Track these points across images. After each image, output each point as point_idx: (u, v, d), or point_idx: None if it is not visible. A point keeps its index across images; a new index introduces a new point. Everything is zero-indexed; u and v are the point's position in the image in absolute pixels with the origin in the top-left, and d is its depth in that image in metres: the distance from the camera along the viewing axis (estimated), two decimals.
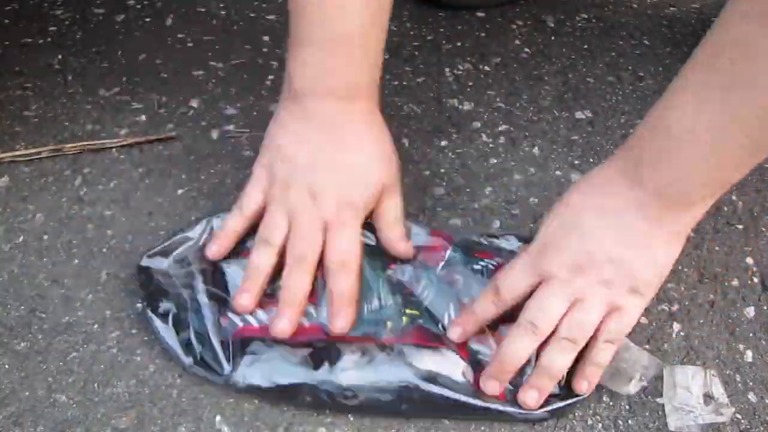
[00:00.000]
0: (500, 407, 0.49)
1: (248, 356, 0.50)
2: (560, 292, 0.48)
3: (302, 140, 0.54)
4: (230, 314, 0.52)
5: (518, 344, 0.48)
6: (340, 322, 0.51)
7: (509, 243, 0.58)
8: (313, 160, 0.54)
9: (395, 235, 0.56)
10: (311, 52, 0.53)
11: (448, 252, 0.56)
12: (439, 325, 0.52)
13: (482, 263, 0.56)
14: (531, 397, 0.48)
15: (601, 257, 0.48)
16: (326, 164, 0.54)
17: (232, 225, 0.55)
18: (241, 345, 0.50)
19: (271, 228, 0.53)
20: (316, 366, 0.49)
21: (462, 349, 0.51)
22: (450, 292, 0.54)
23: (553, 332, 0.48)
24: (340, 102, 0.54)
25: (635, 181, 0.48)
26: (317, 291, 0.53)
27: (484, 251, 0.57)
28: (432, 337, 0.51)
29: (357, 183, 0.54)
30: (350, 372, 0.49)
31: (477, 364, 0.50)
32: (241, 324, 0.52)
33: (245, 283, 0.53)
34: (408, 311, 0.52)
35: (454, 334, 0.51)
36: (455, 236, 0.58)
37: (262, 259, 0.53)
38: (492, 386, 0.48)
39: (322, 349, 0.50)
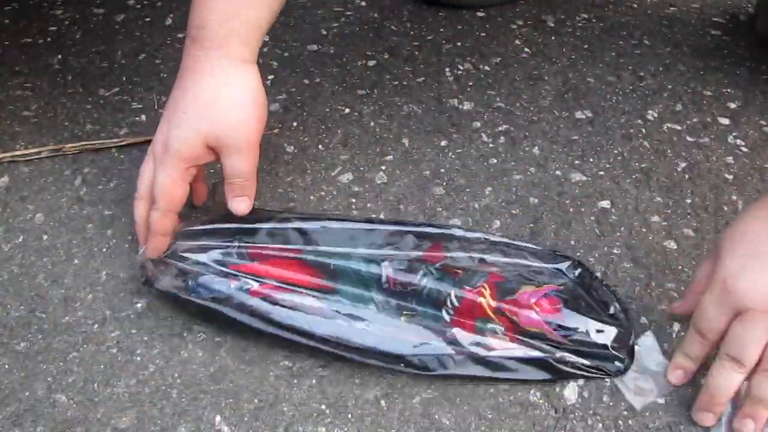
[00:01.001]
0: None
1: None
2: (760, 325, 0.47)
3: (176, 87, 0.57)
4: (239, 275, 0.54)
5: (726, 379, 0.48)
6: (148, 251, 0.56)
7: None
8: (172, 106, 0.56)
9: (230, 194, 0.58)
10: (200, 7, 0.56)
11: (445, 254, 0.56)
12: (443, 311, 0.53)
13: (477, 256, 0.57)
14: (747, 427, 0.48)
15: None
16: (168, 108, 0.56)
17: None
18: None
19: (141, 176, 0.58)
20: None
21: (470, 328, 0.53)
22: (450, 281, 0.53)
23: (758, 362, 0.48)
24: (201, 46, 0.55)
25: None
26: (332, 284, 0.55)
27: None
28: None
29: (178, 130, 0.55)
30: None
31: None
32: (254, 284, 0.54)
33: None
34: (405, 314, 0.53)
35: (675, 378, 0.52)
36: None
37: (137, 210, 0.58)
38: (706, 418, 0.50)
39: None
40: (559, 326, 0.52)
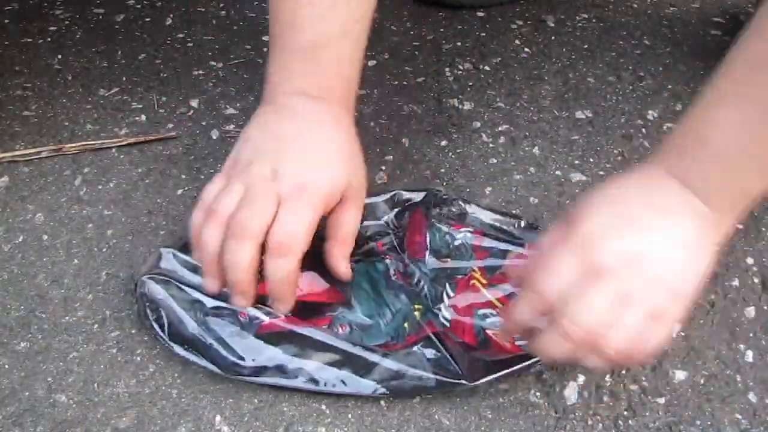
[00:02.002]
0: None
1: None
2: (608, 288, 0.42)
3: (271, 128, 0.52)
4: (248, 310, 0.51)
5: (552, 342, 0.44)
6: (281, 306, 0.50)
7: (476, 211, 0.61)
8: (281, 143, 0.51)
9: (342, 252, 0.53)
10: (286, 56, 0.54)
11: (428, 239, 0.58)
12: (440, 308, 0.54)
13: (460, 235, 0.58)
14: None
15: (657, 255, 0.43)
16: (293, 150, 0.51)
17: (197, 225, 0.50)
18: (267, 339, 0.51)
19: (223, 197, 0.49)
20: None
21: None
22: (443, 275, 0.56)
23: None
24: (312, 100, 0.53)
25: (685, 184, 0.45)
26: (347, 292, 0.55)
27: (457, 222, 0.59)
28: (439, 326, 0.53)
29: (322, 173, 0.50)
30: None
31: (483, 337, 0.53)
32: (266, 318, 0.51)
33: (205, 266, 0.49)
34: (416, 306, 0.55)
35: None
36: (424, 208, 0.60)
37: (212, 233, 0.48)
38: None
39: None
40: None
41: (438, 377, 0.49)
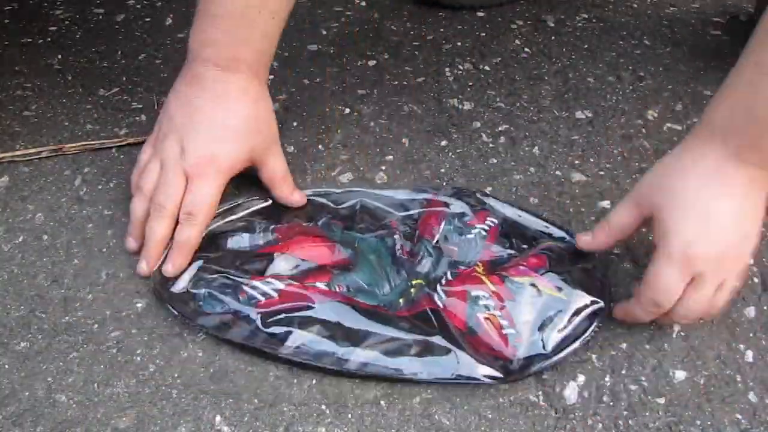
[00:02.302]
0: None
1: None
2: (708, 286, 0.50)
3: (184, 102, 0.60)
4: (246, 288, 0.55)
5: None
6: (169, 267, 0.57)
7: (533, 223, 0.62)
8: (190, 118, 0.59)
9: (286, 189, 0.63)
10: (204, 22, 0.59)
11: (443, 225, 0.60)
12: (436, 288, 0.55)
13: (474, 231, 0.60)
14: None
15: (734, 247, 0.50)
16: (200, 123, 0.59)
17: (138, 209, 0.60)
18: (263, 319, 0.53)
19: (145, 176, 0.60)
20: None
21: (462, 297, 0.54)
22: (445, 262, 0.57)
23: None
24: (220, 70, 0.59)
25: (743, 160, 0.49)
26: (351, 258, 0.58)
27: (478, 214, 0.61)
28: (434, 302, 0.54)
29: (224, 145, 0.59)
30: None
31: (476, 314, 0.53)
32: (261, 298, 0.54)
33: (129, 228, 0.60)
34: (414, 282, 0.56)
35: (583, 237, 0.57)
36: (450, 199, 0.63)
37: (136, 206, 0.59)
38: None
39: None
40: (547, 272, 0.55)
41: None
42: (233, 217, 0.62)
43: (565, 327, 0.52)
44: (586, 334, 0.53)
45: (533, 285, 0.54)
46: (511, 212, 0.62)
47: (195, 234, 0.57)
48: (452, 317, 0.53)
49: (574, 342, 0.52)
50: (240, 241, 0.59)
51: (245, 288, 0.55)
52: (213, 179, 0.58)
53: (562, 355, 0.51)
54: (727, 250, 0.50)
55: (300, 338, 0.52)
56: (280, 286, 0.55)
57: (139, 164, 0.62)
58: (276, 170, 0.63)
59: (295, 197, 0.63)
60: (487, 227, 0.60)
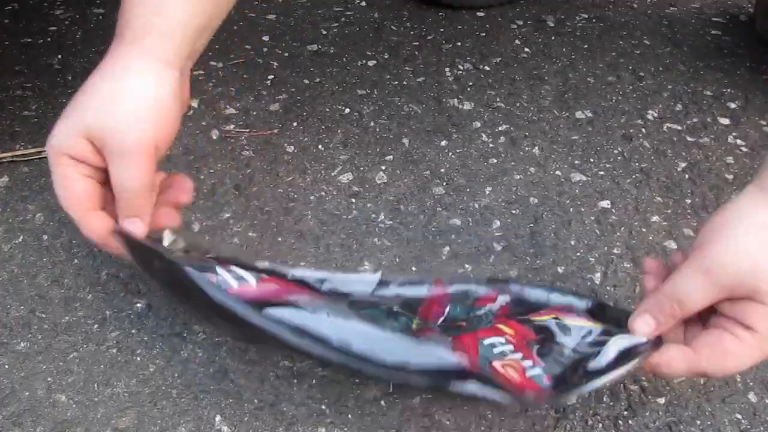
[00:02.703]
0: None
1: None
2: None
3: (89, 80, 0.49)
4: (219, 269, 0.47)
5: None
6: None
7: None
8: (79, 93, 0.48)
9: (119, 207, 0.48)
10: (128, 4, 0.49)
11: (448, 308, 0.53)
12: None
13: (484, 310, 0.52)
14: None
15: None
16: (75, 99, 0.48)
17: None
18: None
19: None
20: None
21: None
22: (454, 329, 0.50)
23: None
24: (124, 45, 0.49)
25: None
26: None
27: (485, 298, 0.54)
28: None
29: (63, 122, 0.48)
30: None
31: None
32: (233, 283, 0.46)
33: None
34: (416, 321, 0.51)
35: (645, 324, 0.46)
36: (455, 284, 0.54)
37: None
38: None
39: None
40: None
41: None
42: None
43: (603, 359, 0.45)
44: (622, 368, 0.45)
45: (557, 319, 0.48)
46: (532, 293, 0.53)
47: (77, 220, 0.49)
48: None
49: (608, 372, 0.44)
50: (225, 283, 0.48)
51: (218, 270, 0.46)
52: (53, 165, 0.48)
53: (594, 384, 0.44)
54: None
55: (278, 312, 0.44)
56: (259, 276, 0.47)
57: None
58: (113, 176, 0.47)
59: (125, 224, 0.48)
60: (498, 306, 0.52)
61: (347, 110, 0.76)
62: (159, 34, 0.49)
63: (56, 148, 0.47)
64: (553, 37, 0.88)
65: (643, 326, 0.45)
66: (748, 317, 0.43)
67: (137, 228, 0.48)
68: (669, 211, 0.65)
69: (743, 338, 0.43)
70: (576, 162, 0.70)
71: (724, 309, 0.44)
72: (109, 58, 0.49)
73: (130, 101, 0.47)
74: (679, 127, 0.75)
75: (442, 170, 0.69)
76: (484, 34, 0.89)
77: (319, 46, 0.86)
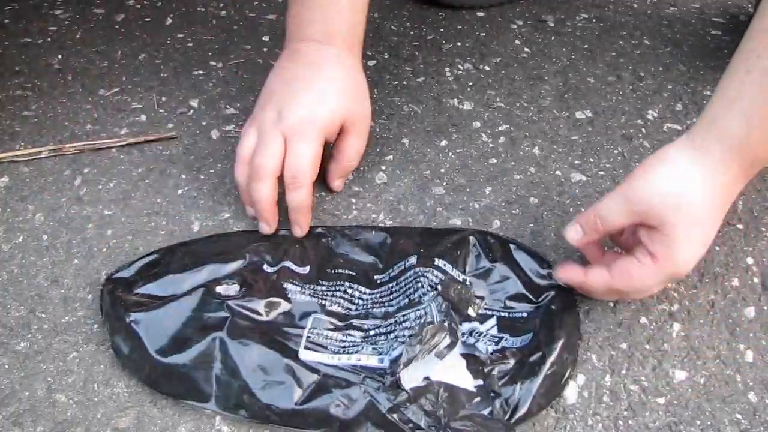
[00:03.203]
0: None
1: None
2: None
3: (284, 75, 0.61)
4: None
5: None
6: (297, 230, 0.60)
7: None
8: (288, 87, 0.60)
9: (338, 173, 0.64)
10: (297, 8, 0.62)
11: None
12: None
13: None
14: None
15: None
16: (297, 90, 0.59)
17: (240, 177, 0.60)
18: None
19: (243, 144, 0.60)
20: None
21: None
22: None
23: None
24: (320, 45, 0.61)
25: (747, 176, 0.51)
26: None
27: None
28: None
29: (322, 105, 0.59)
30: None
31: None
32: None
33: (241, 196, 0.61)
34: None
35: (575, 232, 0.54)
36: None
37: (237, 172, 0.60)
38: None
39: None
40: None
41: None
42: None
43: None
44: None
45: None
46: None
47: (305, 195, 0.58)
48: None
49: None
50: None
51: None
52: (311, 138, 0.58)
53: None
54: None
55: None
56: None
57: (240, 140, 0.61)
58: (350, 147, 0.63)
59: (335, 184, 0.65)
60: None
61: None
62: (359, 38, 0.64)
63: (324, 128, 0.59)
64: (553, 37, 0.88)
65: (572, 233, 0.54)
66: (652, 244, 0.50)
67: (341, 184, 0.66)
68: None
69: (644, 263, 0.50)
70: (576, 162, 0.70)
71: (643, 237, 0.51)
72: (316, 52, 0.61)
73: (365, 94, 0.64)
74: (679, 127, 0.75)
75: (442, 170, 0.69)
76: (484, 34, 0.89)
77: None
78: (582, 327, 0.55)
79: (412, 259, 0.57)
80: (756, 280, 0.59)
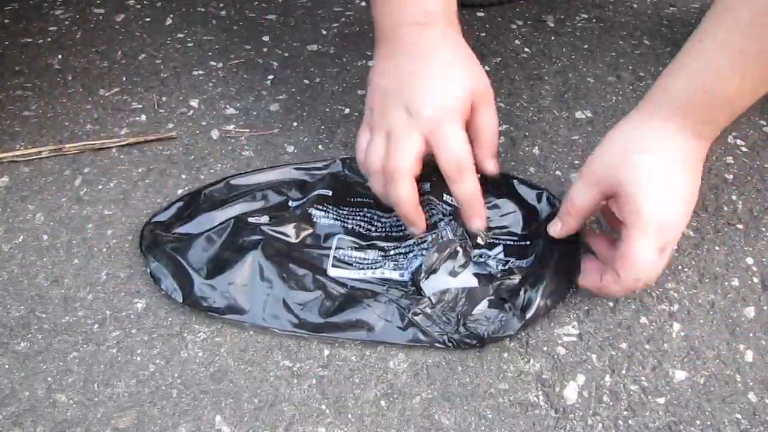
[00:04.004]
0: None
1: None
2: (669, 254, 0.54)
3: (392, 73, 0.58)
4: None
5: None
6: (478, 222, 0.57)
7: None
8: (404, 84, 0.56)
9: (487, 152, 0.59)
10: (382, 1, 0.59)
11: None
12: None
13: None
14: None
15: (689, 216, 0.53)
16: (417, 84, 0.56)
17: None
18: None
19: (372, 153, 0.57)
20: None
21: None
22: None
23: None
24: (421, 27, 0.58)
25: (697, 136, 0.52)
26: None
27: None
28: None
29: (450, 90, 0.56)
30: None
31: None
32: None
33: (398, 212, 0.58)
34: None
35: (553, 225, 0.56)
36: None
37: (376, 186, 0.57)
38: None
39: None
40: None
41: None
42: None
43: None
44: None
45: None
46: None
47: (475, 183, 0.56)
48: None
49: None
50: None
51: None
52: (455, 124, 0.55)
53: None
54: (682, 220, 0.52)
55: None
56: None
57: (360, 147, 0.59)
58: (488, 121, 0.58)
59: (490, 168, 0.59)
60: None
61: (347, 110, 0.76)
62: (446, 6, 0.59)
63: (463, 110, 0.56)
64: (553, 37, 0.88)
65: (552, 228, 0.56)
66: (622, 214, 0.51)
67: (493, 167, 0.59)
68: None
69: (628, 237, 0.50)
70: (576, 162, 0.70)
71: (616, 213, 0.52)
72: (427, 39, 0.58)
73: (474, 65, 0.59)
74: None
75: None
76: (484, 34, 0.89)
77: (319, 46, 0.86)
78: (582, 327, 0.55)
79: (426, 186, 0.60)
80: (756, 280, 0.59)
